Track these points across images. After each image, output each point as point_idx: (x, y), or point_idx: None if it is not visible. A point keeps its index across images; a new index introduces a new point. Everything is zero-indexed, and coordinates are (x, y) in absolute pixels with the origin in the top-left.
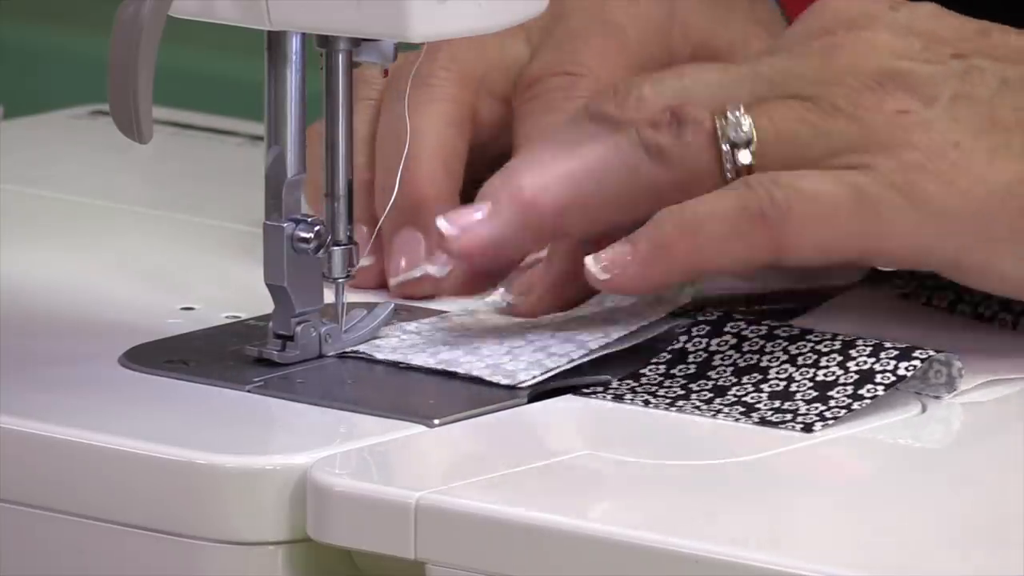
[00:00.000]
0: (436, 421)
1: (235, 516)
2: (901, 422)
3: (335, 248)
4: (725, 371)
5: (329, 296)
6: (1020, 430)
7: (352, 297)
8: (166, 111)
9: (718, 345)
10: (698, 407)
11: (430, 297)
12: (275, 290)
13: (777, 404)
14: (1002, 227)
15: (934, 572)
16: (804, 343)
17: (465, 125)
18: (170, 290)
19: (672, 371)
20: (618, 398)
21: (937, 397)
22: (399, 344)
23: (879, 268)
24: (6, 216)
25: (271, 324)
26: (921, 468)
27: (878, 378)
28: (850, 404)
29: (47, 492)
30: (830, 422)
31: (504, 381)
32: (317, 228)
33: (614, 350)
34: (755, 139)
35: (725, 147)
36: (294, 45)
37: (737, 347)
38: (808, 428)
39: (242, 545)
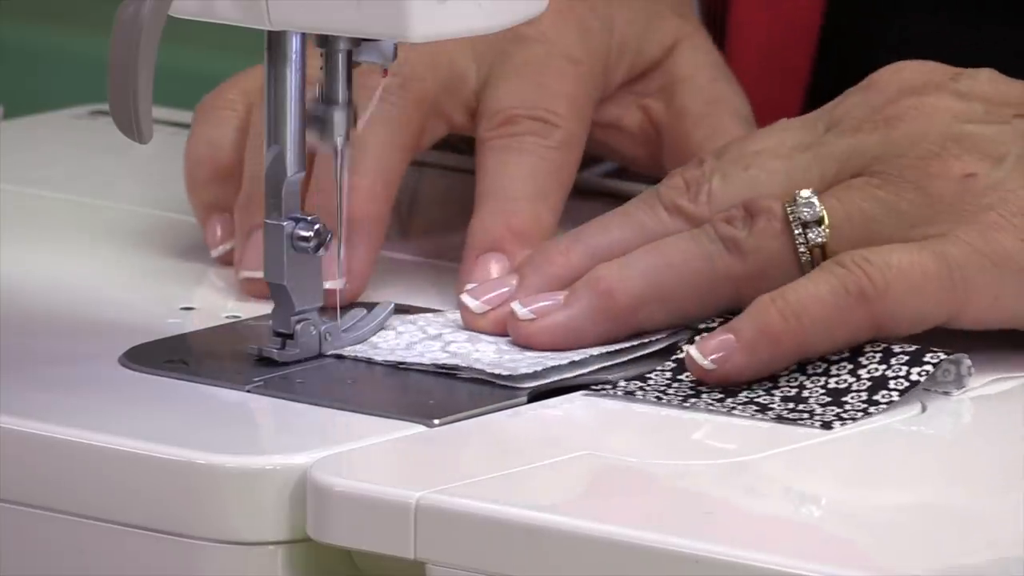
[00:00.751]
0: (436, 421)
1: (235, 516)
2: (901, 422)
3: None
4: None
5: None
6: (1020, 430)
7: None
8: (166, 111)
9: None
10: (711, 405)
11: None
12: (275, 288)
13: (791, 405)
14: None
15: (935, 572)
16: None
17: (409, 149)
18: (170, 290)
19: (679, 376)
20: (629, 394)
21: (947, 393)
22: (396, 344)
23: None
24: (6, 216)
25: (271, 323)
26: (921, 468)
27: (891, 384)
28: (866, 408)
29: (47, 492)
30: (848, 422)
31: (505, 373)
32: (317, 227)
33: (615, 361)
34: (826, 220)
35: (798, 230)
36: (294, 45)
37: None
38: (827, 425)
39: (242, 545)
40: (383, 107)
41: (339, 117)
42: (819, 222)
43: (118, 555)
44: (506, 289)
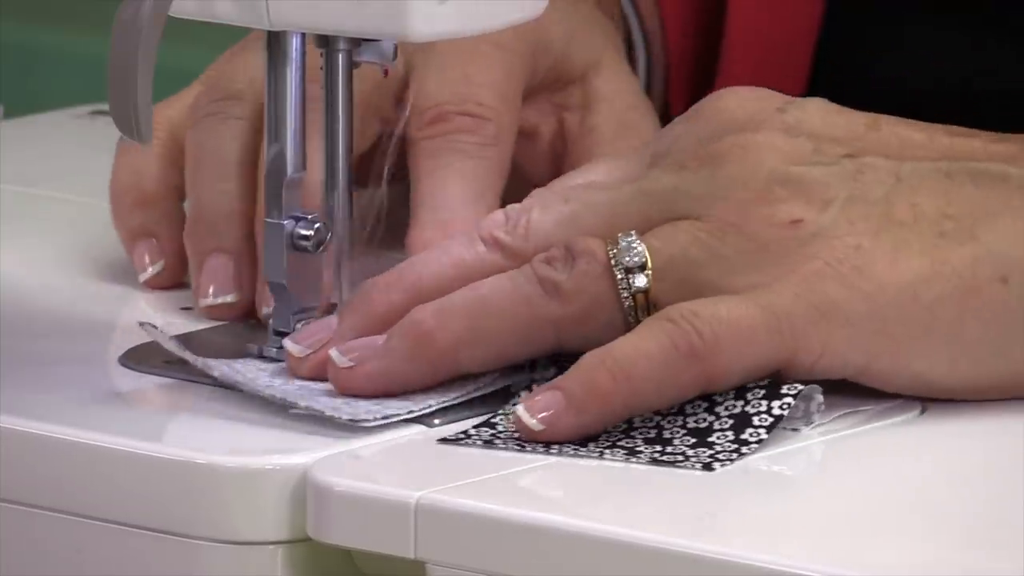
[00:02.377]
0: (436, 421)
1: (235, 516)
2: (901, 422)
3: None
4: None
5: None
6: (1019, 431)
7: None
8: None
9: None
10: (577, 449)
11: None
12: (275, 287)
13: (659, 448)
14: (910, 327)
15: (934, 572)
16: None
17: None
18: (170, 290)
19: None
20: (488, 443)
21: (795, 430)
22: (252, 375)
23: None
24: (6, 216)
25: (271, 322)
26: (921, 468)
27: (755, 421)
28: (739, 448)
29: (47, 492)
30: (726, 463)
31: (346, 418)
32: (317, 226)
33: (454, 405)
34: (649, 263)
35: (619, 274)
36: (294, 44)
37: None
38: (708, 467)
39: (242, 545)
40: (316, 116)
41: (341, 200)
42: (642, 267)
43: (118, 555)
44: (325, 333)
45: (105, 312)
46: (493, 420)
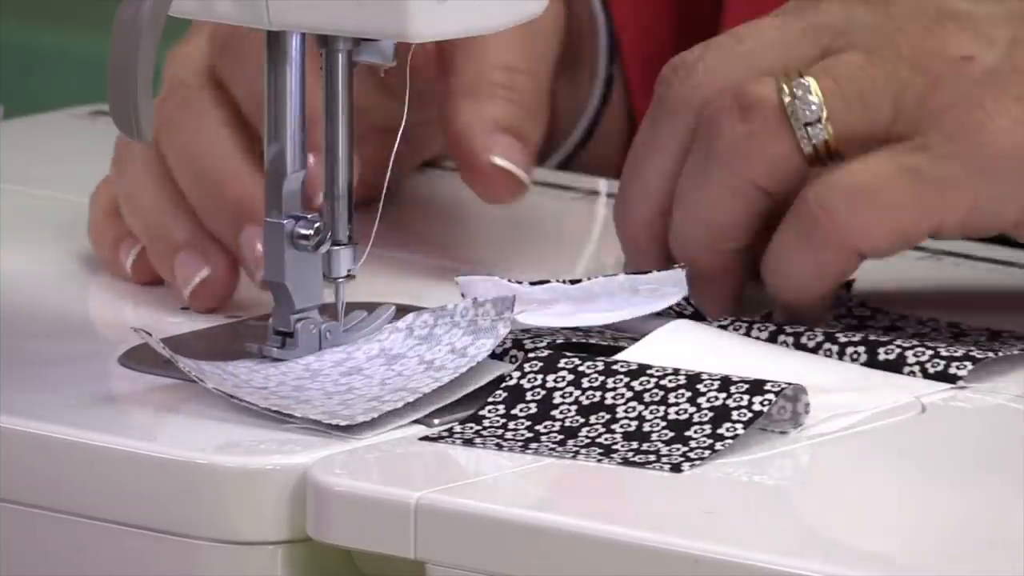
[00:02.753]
0: (436, 421)
1: (235, 516)
2: (901, 422)
3: (335, 248)
4: (569, 410)
5: (329, 295)
6: (1018, 431)
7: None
8: None
9: (555, 381)
10: (553, 449)
11: None
12: (275, 287)
13: (635, 445)
14: None
15: (934, 572)
16: (647, 378)
17: (234, 118)
18: (170, 290)
19: (512, 411)
20: (468, 443)
21: (784, 432)
22: (247, 378)
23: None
24: (6, 216)
25: (271, 321)
26: (921, 468)
27: (734, 415)
28: (712, 444)
29: (47, 492)
30: (696, 463)
31: (343, 423)
32: (317, 225)
33: (448, 401)
34: (825, 110)
35: (799, 131)
36: (294, 44)
37: (576, 383)
38: (676, 468)
39: (242, 545)
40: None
41: (343, 255)
42: (818, 119)
43: (118, 555)
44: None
45: (105, 312)
46: (480, 412)
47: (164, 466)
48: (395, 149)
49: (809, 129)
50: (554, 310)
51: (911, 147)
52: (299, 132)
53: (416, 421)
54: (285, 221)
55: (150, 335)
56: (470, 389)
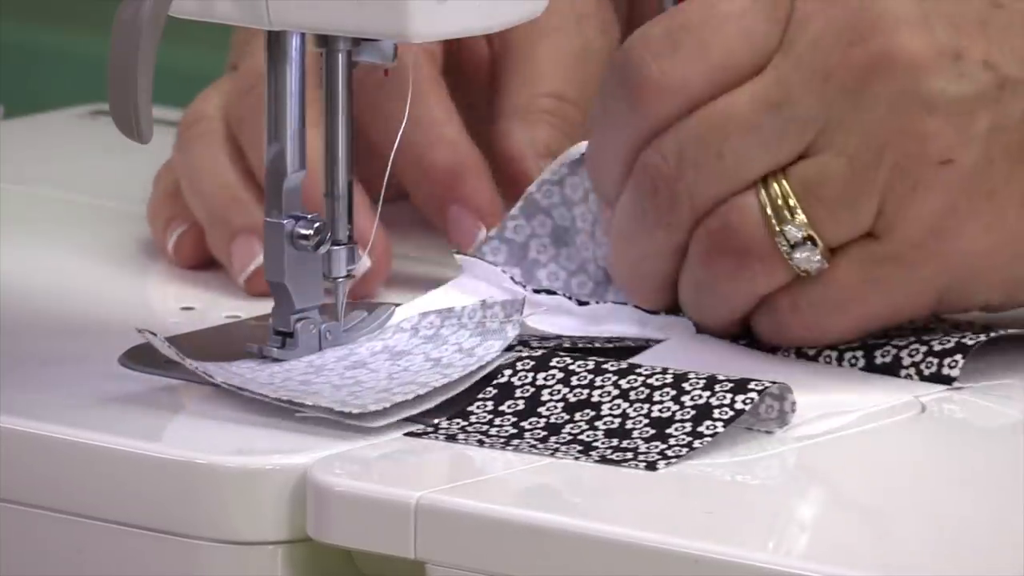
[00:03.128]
0: (436, 421)
1: (235, 516)
2: (901, 422)
3: (335, 248)
4: (555, 407)
5: (329, 296)
6: (1017, 430)
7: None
8: (166, 111)
9: (545, 379)
10: (534, 446)
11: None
12: (275, 287)
13: (615, 443)
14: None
15: (934, 572)
16: (634, 377)
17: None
18: (170, 290)
19: (500, 407)
20: (451, 438)
21: (769, 432)
22: (251, 376)
23: None
24: (6, 216)
25: (271, 321)
26: (921, 468)
27: (716, 413)
28: (691, 442)
29: (47, 492)
30: (673, 460)
31: (356, 411)
32: (317, 225)
33: (456, 392)
34: (819, 242)
35: (790, 259)
36: (294, 44)
37: (565, 381)
38: (652, 466)
39: (242, 545)
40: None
41: (343, 255)
42: (805, 241)
43: (118, 555)
44: None
45: (105, 312)
46: (469, 408)
47: (164, 466)
48: (395, 148)
49: (796, 253)
50: (560, 320)
51: (881, 255)
52: (299, 132)
53: (417, 420)
54: (285, 221)
55: (155, 335)
56: (472, 368)
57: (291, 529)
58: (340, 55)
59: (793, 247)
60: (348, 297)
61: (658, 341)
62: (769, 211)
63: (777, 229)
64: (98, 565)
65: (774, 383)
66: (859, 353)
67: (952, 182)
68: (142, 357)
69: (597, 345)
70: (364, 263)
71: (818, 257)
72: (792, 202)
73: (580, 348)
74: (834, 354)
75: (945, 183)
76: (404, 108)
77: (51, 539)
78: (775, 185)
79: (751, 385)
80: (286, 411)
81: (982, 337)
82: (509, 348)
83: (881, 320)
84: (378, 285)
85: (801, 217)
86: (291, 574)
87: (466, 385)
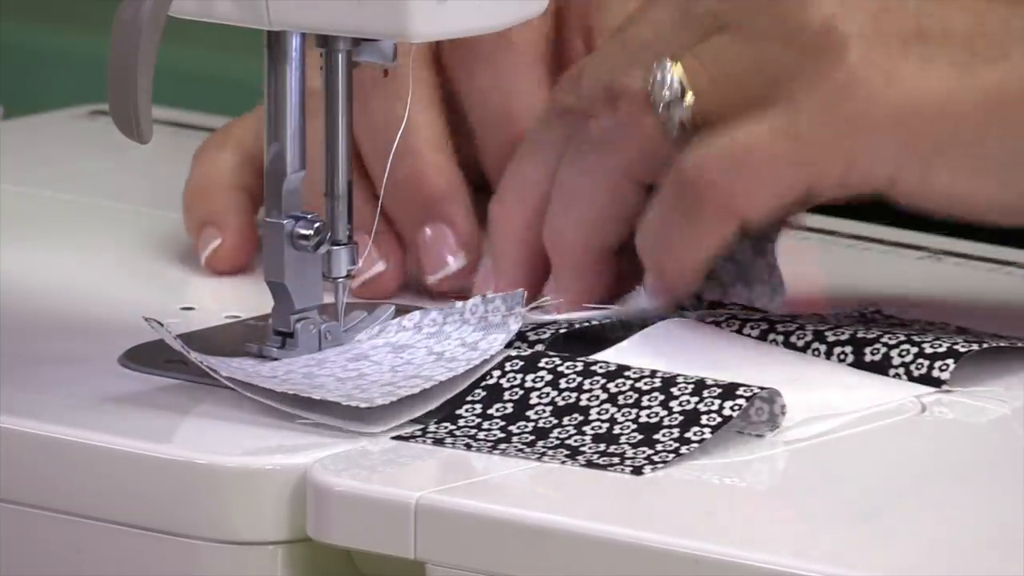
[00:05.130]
0: (423, 425)
1: (235, 516)
2: (901, 422)
3: (335, 248)
4: (544, 411)
5: (329, 296)
6: (1011, 431)
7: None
8: (166, 111)
9: (533, 381)
10: (521, 450)
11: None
12: (275, 287)
13: (602, 447)
14: (935, 139)
15: (934, 572)
16: (623, 380)
17: (440, 104)
18: (170, 290)
19: (489, 411)
20: (439, 442)
21: (760, 436)
22: (253, 371)
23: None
24: (6, 216)
25: (271, 321)
26: (921, 468)
27: (703, 419)
28: (678, 448)
29: (47, 492)
30: (659, 465)
31: (363, 405)
32: (317, 225)
33: (460, 388)
34: (688, 94)
35: (661, 112)
36: (294, 44)
37: (554, 383)
38: (638, 471)
39: (242, 545)
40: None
41: (343, 255)
42: (681, 97)
43: (118, 555)
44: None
45: (105, 312)
46: (457, 412)
47: (164, 466)
48: (394, 147)
49: (671, 109)
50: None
51: (783, 111)
52: (299, 132)
53: (417, 420)
54: (285, 221)
55: (161, 324)
56: (476, 362)
57: (291, 529)
58: (340, 55)
59: (656, 82)
60: (362, 296)
61: (652, 322)
62: (649, 75)
63: (650, 85)
64: (98, 565)
65: (763, 388)
66: (848, 348)
67: (839, 41)
68: (142, 357)
69: (594, 323)
70: (378, 266)
71: (683, 103)
72: (668, 62)
73: (576, 331)
74: (823, 347)
75: (833, 44)
76: (394, 111)
77: (51, 539)
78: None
79: (739, 391)
80: (286, 412)
81: (975, 347)
82: (509, 344)
83: (789, 183)
84: (391, 289)
85: (677, 65)
86: (291, 574)
87: (471, 380)
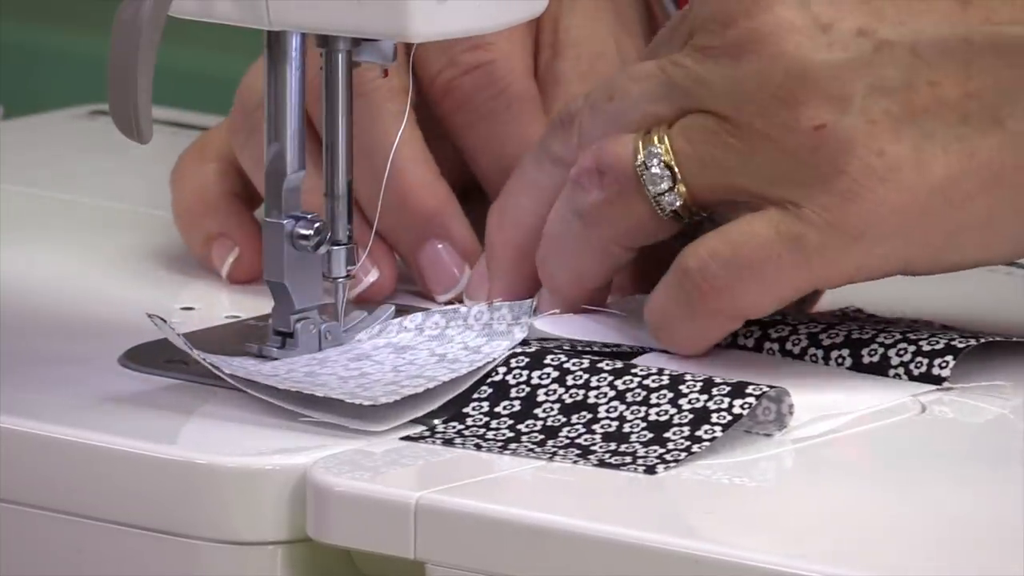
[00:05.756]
0: (436, 421)
1: (235, 516)
2: (901, 422)
3: (335, 248)
4: (552, 408)
5: (329, 296)
6: (1012, 429)
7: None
8: (166, 111)
9: (540, 378)
10: (531, 449)
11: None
12: (275, 287)
13: (613, 447)
14: (943, 228)
15: (934, 572)
16: (630, 378)
17: (415, 122)
18: (170, 290)
19: (496, 409)
20: (448, 443)
21: (768, 435)
22: (254, 369)
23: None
24: (6, 216)
25: (271, 321)
26: (921, 468)
27: (714, 417)
28: (689, 447)
29: (47, 492)
30: (672, 465)
31: (367, 403)
32: (317, 225)
33: (463, 388)
34: (679, 174)
35: (653, 199)
36: (294, 44)
37: (560, 380)
38: (651, 470)
39: (242, 545)
40: (370, 97)
41: (343, 255)
42: (673, 186)
43: (118, 555)
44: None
45: (105, 312)
46: (465, 410)
47: (164, 466)
48: (394, 146)
49: (663, 198)
50: (566, 324)
51: (788, 216)
52: (299, 132)
53: (417, 420)
54: (285, 221)
55: (164, 320)
56: (479, 364)
57: (291, 529)
58: (340, 55)
59: (648, 168)
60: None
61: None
62: (640, 153)
63: (640, 151)
64: (98, 565)
65: (771, 387)
66: (845, 352)
67: (832, 145)
68: (142, 357)
69: (595, 348)
70: (372, 275)
71: (674, 192)
72: (659, 147)
73: (578, 351)
74: (820, 352)
75: (825, 148)
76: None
77: (51, 539)
78: (652, 133)
79: (748, 389)
80: (286, 411)
81: (972, 342)
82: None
83: (796, 290)
84: (387, 293)
85: (666, 145)
86: (291, 574)
87: (473, 380)
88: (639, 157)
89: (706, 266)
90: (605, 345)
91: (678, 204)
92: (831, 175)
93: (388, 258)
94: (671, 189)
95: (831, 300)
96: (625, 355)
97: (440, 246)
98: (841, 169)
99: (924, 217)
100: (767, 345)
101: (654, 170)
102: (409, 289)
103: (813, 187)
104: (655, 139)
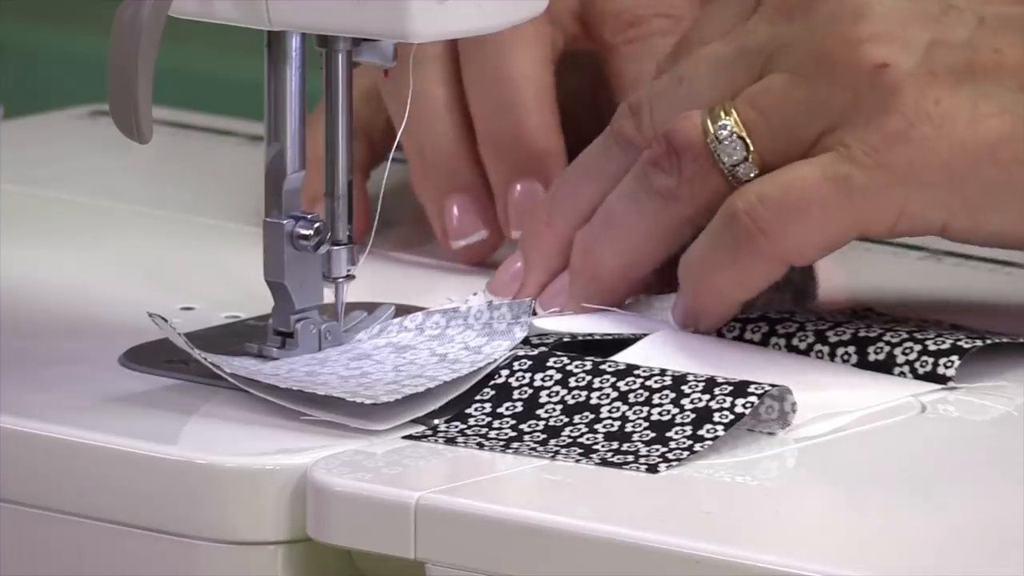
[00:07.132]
0: (436, 421)
1: (235, 516)
2: (901, 422)
3: (335, 248)
4: (554, 409)
5: (329, 296)
6: (1016, 429)
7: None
8: (166, 111)
9: (542, 380)
10: (534, 449)
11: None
12: (275, 287)
13: (615, 446)
14: (988, 187)
15: (936, 572)
16: (632, 379)
17: (551, 62)
18: (170, 290)
19: (498, 409)
20: (450, 442)
21: (771, 433)
22: (255, 368)
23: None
24: (6, 216)
25: (271, 322)
26: (921, 468)
27: (716, 416)
28: (692, 445)
29: (47, 492)
30: (674, 463)
31: (368, 402)
32: (317, 225)
33: (465, 387)
34: (751, 149)
35: (728, 172)
36: (294, 44)
37: (563, 382)
38: (653, 469)
39: (242, 545)
40: (511, 31)
41: (343, 255)
42: (744, 159)
43: (118, 555)
44: (515, 283)
45: (105, 312)
46: (467, 411)
47: (164, 466)
48: (394, 146)
49: (738, 169)
50: (568, 322)
51: (837, 158)
52: (299, 132)
53: (417, 420)
54: (285, 221)
55: (165, 320)
56: (481, 364)
57: (291, 529)
58: (340, 55)
59: (720, 141)
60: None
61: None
62: (710, 130)
63: (710, 128)
64: (98, 565)
65: (774, 386)
66: (851, 348)
67: (892, 85)
68: (142, 357)
69: (596, 337)
70: (480, 233)
71: (748, 161)
72: (728, 120)
73: (579, 341)
74: (825, 349)
75: (884, 87)
76: (505, 66)
77: (51, 539)
78: (719, 107)
79: (751, 388)
80: (286, 411)
81: (979, 342)
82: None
83: (841, 231)
84: (486, 257)
85: (734, 116)
86: (291, 574)
87: (475, 381)
88: (709, 132)
89: (754, 207)
90: (606, 334)
91: (753, 172)
92: (885, 114)
93: (495, 219)
94: (745, 159)
95: (844, 297)
96: (627, 341)
97: (539, 187)
98: (896, 109)
99: (970, 171)
100: (773, 340)
101: (726, 142)
102: (409, 289)
103: (867, 127)
104: (721, 113)
